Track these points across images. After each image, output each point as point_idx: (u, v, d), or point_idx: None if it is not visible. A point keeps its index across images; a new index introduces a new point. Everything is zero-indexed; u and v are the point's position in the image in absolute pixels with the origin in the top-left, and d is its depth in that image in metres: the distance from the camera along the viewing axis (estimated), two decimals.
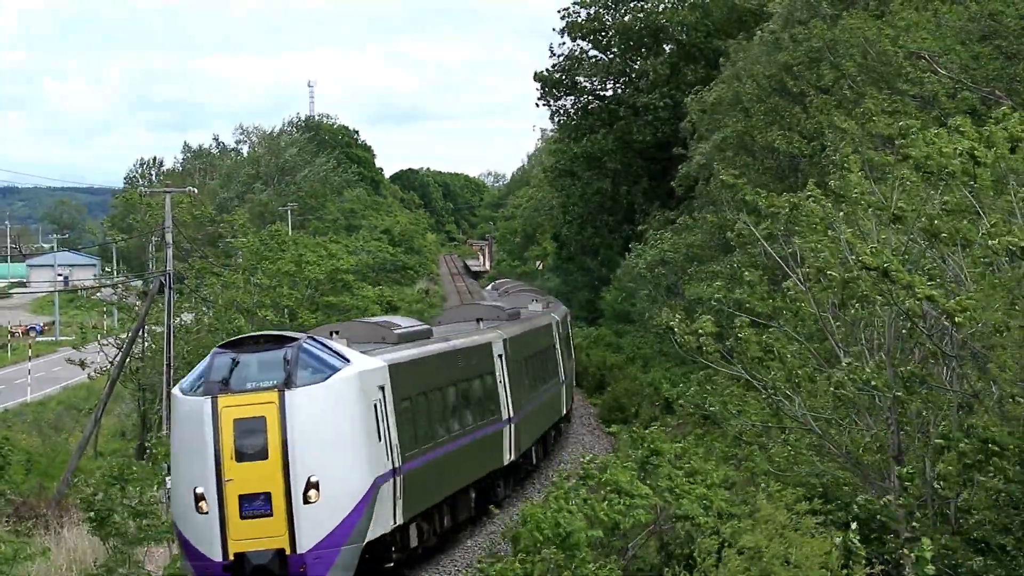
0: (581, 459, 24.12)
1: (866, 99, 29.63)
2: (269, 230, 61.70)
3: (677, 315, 22.54)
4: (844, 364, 19.28)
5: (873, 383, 18.67)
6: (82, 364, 54.31)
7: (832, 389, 19.39)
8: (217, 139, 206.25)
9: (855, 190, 20.63)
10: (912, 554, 15.32)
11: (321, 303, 55.55)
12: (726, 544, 19.06)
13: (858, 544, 15.00)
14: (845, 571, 16.93)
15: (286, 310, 52.84)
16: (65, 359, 59.78)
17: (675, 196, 68.97)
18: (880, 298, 18.42)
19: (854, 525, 15.66)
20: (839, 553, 17.54)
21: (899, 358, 19.79)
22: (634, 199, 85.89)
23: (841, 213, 20.84)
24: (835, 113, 34.82)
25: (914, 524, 18.56)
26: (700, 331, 20.37)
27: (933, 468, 18.41)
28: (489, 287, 52.07)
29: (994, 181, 18.68)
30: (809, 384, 20.32)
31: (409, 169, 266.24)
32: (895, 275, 17.53)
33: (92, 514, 27.25)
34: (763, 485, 21.08)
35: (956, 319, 16.91)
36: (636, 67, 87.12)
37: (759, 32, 52.43)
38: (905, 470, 18.20)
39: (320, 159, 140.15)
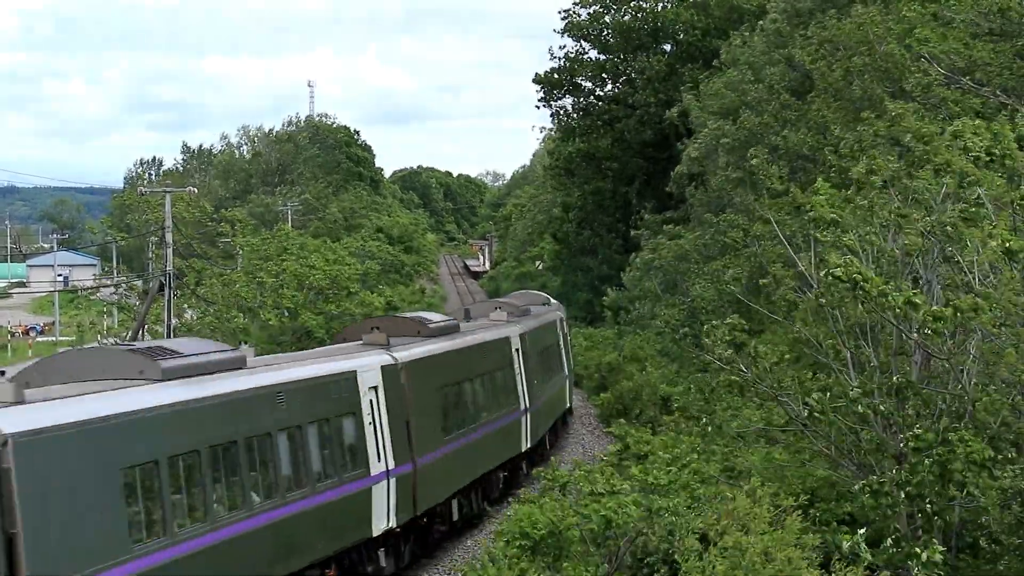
0: (554, 470, 24.38)
1: (889, 105, 29.41)
2: (273, 232, 61.61)
3: (676, 313, 22.44)
4: (836, 378, 19.19)
5: (872, 389, 18.65)
6: None
7: (834, 400, 19.29)
8: (224, 136, 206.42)
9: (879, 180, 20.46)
10: (922, 554, 15.25)
11: (322, 307, 55.46)
12: (711, 544, 19.01)
13: (864, 547, 14.95)
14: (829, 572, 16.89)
15: (287, 311, 52.85)
16: None
17: (672, 196, 69.05)
18: (863, 307, 18.36)
19: (862, 531, 15.59)
20: (819, 553, 17.54)
21: (903, 360, 19.76)
22: (630, 199, 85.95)
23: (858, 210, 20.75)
24: (834, 112, 34.71)
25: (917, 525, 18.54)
26: (724, 338, 20.35)
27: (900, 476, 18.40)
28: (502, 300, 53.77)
29: (1008, 179, 18.67)
30: (813, 386, 20.26)
31: (409, 169, 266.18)
32: (866, 286, 17.47)
33: None
34: (746, 484, 21.01)
35: (932, 327, 16.89)
36: (635, 66, 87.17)
37: (761, 24, 52.42)
38: (870, 481, 18.11)
39: (317, 156, 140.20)
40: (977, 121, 19.84)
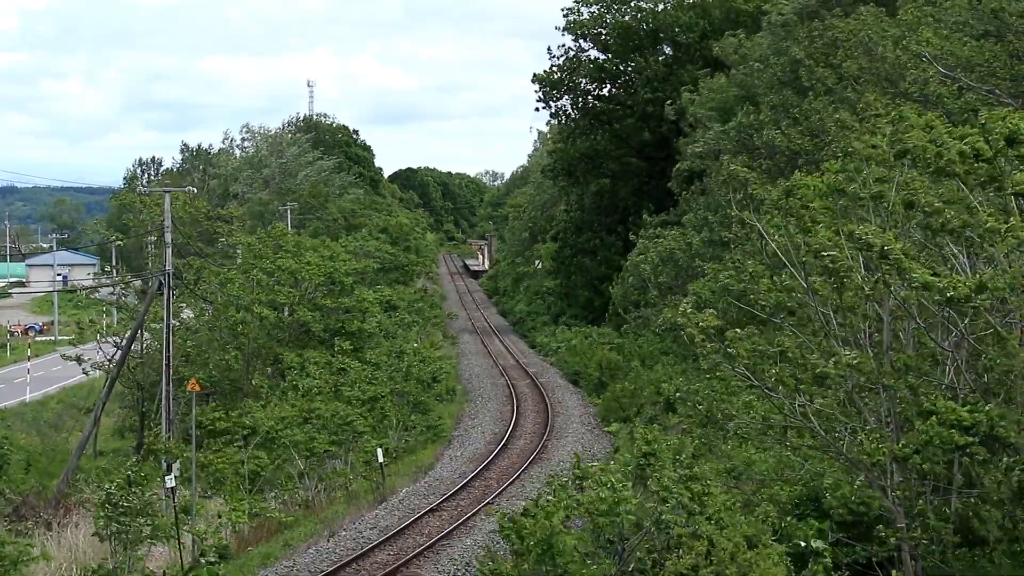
0: (571, 462, 24.14)
1: (865, 95, 29.59)
2: (268, 229, 61.53)
3: (684, 306, 22.42)
4: (844, 357, 19.21)
5: (868, 370, 18.69)
6: (78, 359, 53.83)
7: (828, 388, 19.30)
8: (227, 134, 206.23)
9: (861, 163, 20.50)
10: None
11: (319, 303, 55.31)
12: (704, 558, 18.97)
13: (822, 546, 14.88)
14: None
15: (285, 308, 52.78)
16: (60, 355, 59.58)
17: (672, 195, 69.07)
18: (875, 287, 18.37)
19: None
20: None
21: (895, 351, 19.82)
22: (629, 199, 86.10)
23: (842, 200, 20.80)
24: (829, 110, 34.72)
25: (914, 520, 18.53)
26: (703, 323, 20.31)
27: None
28: None
29: (991, 178, 18.72)
30: (809, 383, 20.26)
31: (408, 168, 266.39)
32: (894, 258, 17.50)
33: (105, 513, 27.07)
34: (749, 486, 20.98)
35: (967, 302, 16.88)
36: (634, 67, 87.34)
37: (771, 14, 52.50)
38: (899, 446, 18.14)
39: (320, 159, 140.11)
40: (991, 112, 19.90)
